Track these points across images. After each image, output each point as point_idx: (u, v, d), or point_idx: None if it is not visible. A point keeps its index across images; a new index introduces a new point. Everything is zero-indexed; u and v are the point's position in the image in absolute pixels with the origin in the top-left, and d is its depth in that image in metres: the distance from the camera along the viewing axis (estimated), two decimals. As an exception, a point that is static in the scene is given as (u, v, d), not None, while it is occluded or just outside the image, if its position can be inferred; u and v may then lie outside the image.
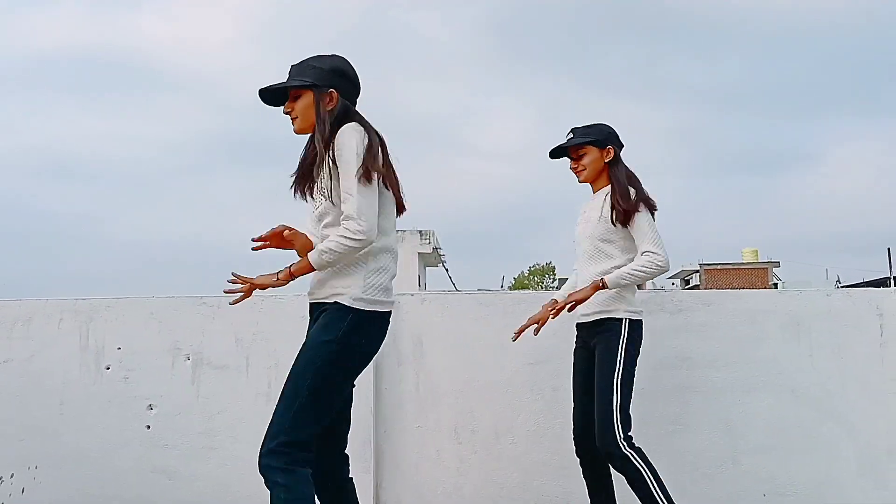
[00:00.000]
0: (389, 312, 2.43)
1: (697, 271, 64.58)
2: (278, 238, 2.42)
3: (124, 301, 4.11)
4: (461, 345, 3.89)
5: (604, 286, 2.96)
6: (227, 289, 2.39)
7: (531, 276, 64.87)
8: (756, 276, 61.53)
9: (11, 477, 3.85)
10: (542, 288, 59.41)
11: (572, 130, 3.19)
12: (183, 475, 3.82)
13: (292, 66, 2.47)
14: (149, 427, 3.85)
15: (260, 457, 2.22)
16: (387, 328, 2.45)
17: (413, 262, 33.38)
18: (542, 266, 65.22)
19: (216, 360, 3.88)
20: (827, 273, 54.19)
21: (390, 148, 2.42)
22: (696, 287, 65.29)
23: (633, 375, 2.99)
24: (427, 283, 36.97)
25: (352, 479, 2.53)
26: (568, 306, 3.04)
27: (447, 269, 39.31)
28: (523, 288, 57.17)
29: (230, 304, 2.52)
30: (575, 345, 3.26)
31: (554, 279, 62.13)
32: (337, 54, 2.50)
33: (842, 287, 61.29)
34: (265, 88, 2.44)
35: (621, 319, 3.02)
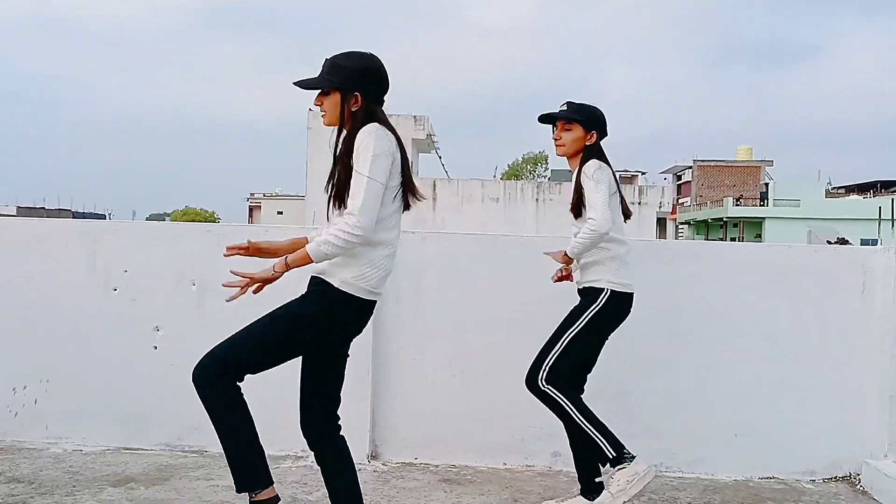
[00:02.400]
0: (373, 303, 2.55)
1: (691, 167, 64.50)
2: (249, 251, 2.63)
3: (130, 225, 4.20)
4: (458, 283, 4.02)
5: (567, 258, 3.22)
6: (226, 282, 2.52)
7: (524, 165, 64.59)
8: (749, 173, 61.58)
9: (24, 388, 4.05)
10: (534, 177, 59.31)
11: (567, 103, 3.24)
12: (189, 394, 4.01)
13: (325, 60, 2.56)
14: (156, 348, 4.02)
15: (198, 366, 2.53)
16: (366, 319, 2.59)
17: (406, 148, 33.18)
18: (536, 155, 64.80)
19: (221, 287, 3.99)
20: (819, 174, 54.20)
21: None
22: (688, 182, 65.31)
23: (588, 344, 3.21)
24: (420, 169, 36.91)
25: (343, 437, 2.70)
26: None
27: (440, 157, 39.14)
28: (516, 176, 57.07)
29: (227, 300, 2.64)
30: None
31: (546, 168, 61.91)
32: (367, 53, 2.56)
33: (833, 188, 61.27)
34: (297, 83, 2.56)
35: (602, 289, 3.17)
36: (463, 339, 4.00)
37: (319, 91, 2.56)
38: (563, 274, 3.32)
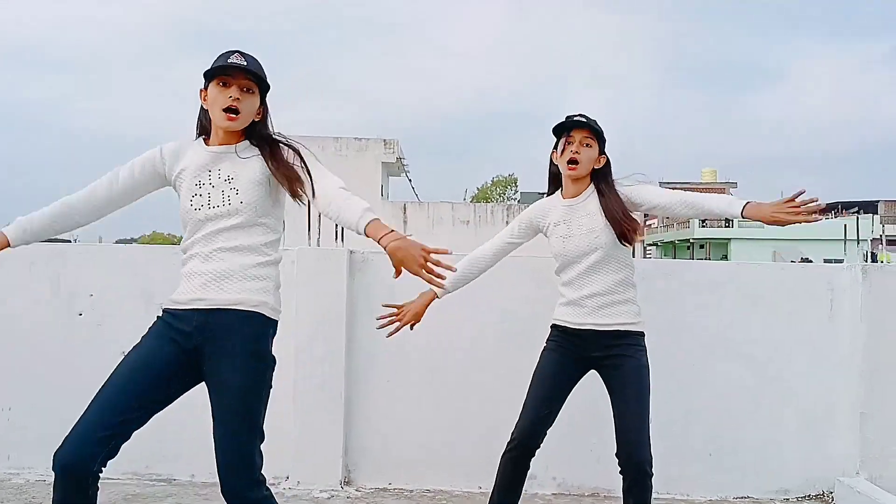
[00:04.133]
0: None
1: (657, 189, 65.21)
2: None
3: (96, 248, 4.12)
4: (433, 303, 3.99)
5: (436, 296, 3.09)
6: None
7: (493, 188, 64.92)
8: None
9: (-15, 418, 3.92)
10: (503, 200, 59.64)
11: (584, 116, 2.88)
12: (156, 420, 3.91)
13: (242, 53, 2.34)
14: (122, 373, 3.92)
15: (244, 481, 2.26)
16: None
17: (376, 172, 33.23)
18: (505, 177, 65.21)
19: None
20: (782, 195, 54.80)
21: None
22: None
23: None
24: (389, 192, 36.92)
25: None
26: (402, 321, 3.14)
27: (410, 179, 39.20)
28: (486, 199, 57.36)
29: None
30: (553, 343, 3.01)
31: (515, 191, 62.32)
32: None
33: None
34: (258, 72, 2.34)
35: (643, 334, 2.91)
36: (435, 361, 3.97)
37: (239, 84, 2.31)
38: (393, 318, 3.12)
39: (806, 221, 2.57)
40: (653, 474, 2.78)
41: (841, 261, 30.29)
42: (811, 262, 25.94)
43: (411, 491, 3.86)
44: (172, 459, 3.89)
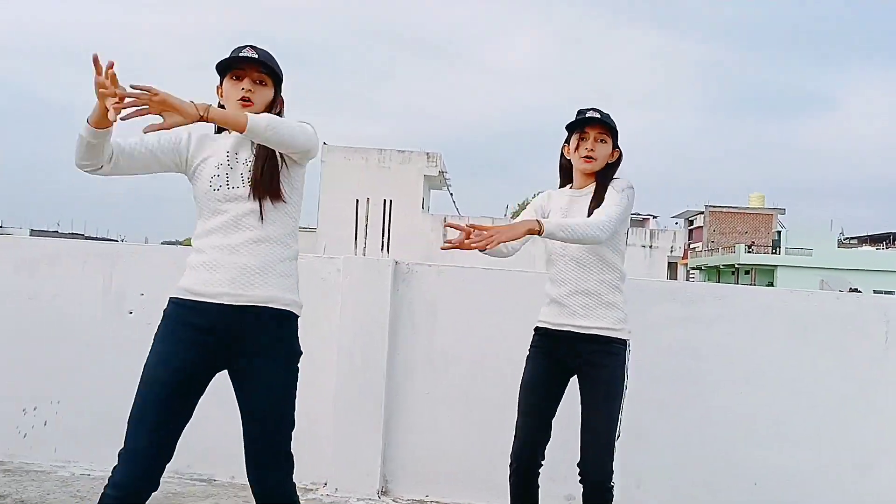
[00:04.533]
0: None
1: (703, 212, 64.45)
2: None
3: (147, 248, 4.20)
4: (473, 317, 3.98)
5: (540, 230, 2.49)
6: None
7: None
8: (761, 221, 61.48)
9: (35, 410, 4.01)
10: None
11: (597, 111, 2.78)
12: (200, 420, 3.96)
13: (258, 48, 2.36)
14: (168, 373, 3.98)
15: (277, 476, 2.29)
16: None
17: (419, 184, 33.38)
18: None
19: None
20: (832, 224, 54.00)
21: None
22: (699, 228, 65.30)
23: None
24: (430, 205, 37.04)
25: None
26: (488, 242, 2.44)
27: (451, 193, 39.29)
28: (527, 216, 57.08)
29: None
30: (535, 349, 2.92)
31: (558, 209, 61.99)
32: None
33: (846, 239, 61.00)
34: (270, 60, 2.35)
35: (626, 342, 2.76)
36: (476, 374, 3.95)
37: (251, 77, 2.32)
38: (461, 242, 2.47)
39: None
40: (612, 487, 2.73)
41: (892, 292, 29.45)
42: (860, 292, 25.28)
43: (448, 503, 3.84)
44: (213, 460, 3.93)
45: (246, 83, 2.31)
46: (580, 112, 2.81)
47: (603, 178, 2.81)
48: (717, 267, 54.20)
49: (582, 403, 2.79)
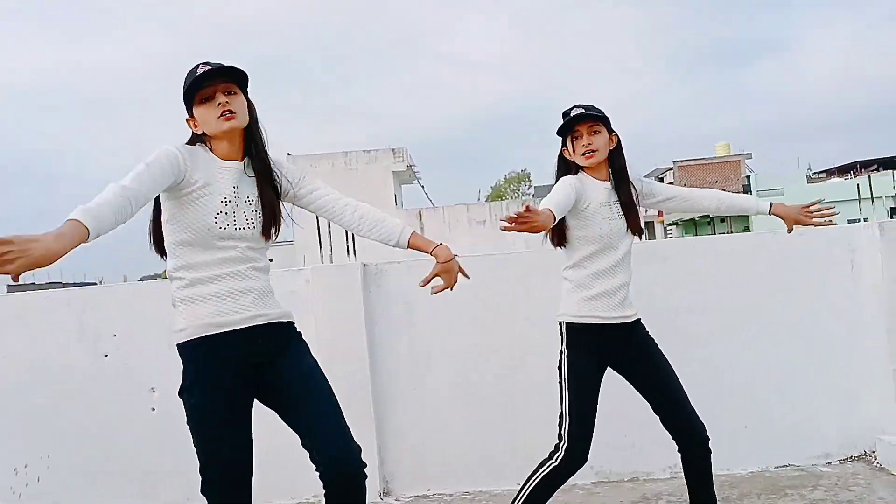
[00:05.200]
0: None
1: (671, 168, 64.91)
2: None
3: (115, 288, 4.17)
4: (450, 308, 3.99)
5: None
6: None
7: (507, 185, 64.90)
8: (729, 168, 61.96)
9: (25, 467, 3.97)
10: (518, 195, 59.55)
11: (580, 105, 2.80)
12: (191, 453, 3.95)
13: (209, 62, 2.28)
14: (154, 409, 3.97)
15: (357, 457, 2.26)
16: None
17: (388, 181, 33.32)
18: (518, 173, 65.18)
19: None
20: (798, 161, 54.67)
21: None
22: (671, 183, 65.59)
23: None
24: (403, 201, 36.99)
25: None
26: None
27: (423, 186, 39.26)
28: (500, 197, 57.28)
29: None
30: (583, 348, 2.81)
31: (529, 186, 62.24)
32: None
33: (814, 174, 61.59)
34: (236, 68, 2.27)
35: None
36: (460, 364, 3.97)
37: (226, 87, 2.25)
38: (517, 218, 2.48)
39: (825, 224, 2.96)
40: (709, 439, 2.80)
41: (866, 219, 29.84)
42: (834, 224, 25.59)
43: (450, 495, 3.87)
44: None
45: (220, 97, 2.23)
46: (565, 114, 2.83)
47: (616, 166, 2.83)
48: (692, 219, 54.62)
49: (648, 380, 2.83)
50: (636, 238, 2.86)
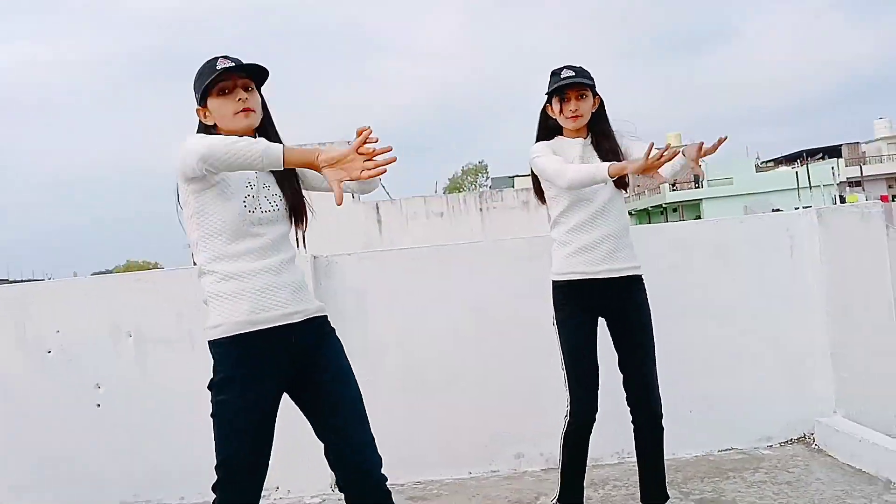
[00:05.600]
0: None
1: (625, 159, 65.56)
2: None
3: (56, 284, 4.08)
4: (402, 299, 4.00)
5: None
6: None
7: (465, 176, 64.99)
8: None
9: (-35, 468, 3.87)
10: (476, 187, 59.69)
11: (569, 67, 2.85)
12: (139, 447, 3.90)
13: (230, 56, 2.25)
14: (99, 405, 3.90)
15: (381, 469, 2.27)
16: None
17: (344, 174, 33.05)
18: (475, 165, 65.32)
19: (159, 335, 3.90)
20: (747, 150, 55.77)
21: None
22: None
23: None
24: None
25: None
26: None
27: (381, 179, 39.03)
28: (457, 189, 57.36)
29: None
30: (570, 305, 2.87)
31: (487, 178, 62.44)
32: None
33: (763, 163, 62.89)
34: (256, 65, 2.24)
35: (641, 277, 2.91)
36: (413, 354, 3.98)
37: (245, 83, 2.24)
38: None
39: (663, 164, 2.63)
40: (662, 419, 2.88)
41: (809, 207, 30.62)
42: (781, 211, 26.27)
43: (402, 485, 3.87)
44: (160, 484, 3.87)
45: (239, 93, 2.22)
46: (555, 73, 2.86)
47: (598, 128, 2.91)
48: (646, 209, 55.43)
49: (621, 344, 2.90)
50: (622, 191, 2.90)
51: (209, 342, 2.18)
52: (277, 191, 2.27)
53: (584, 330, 2.86)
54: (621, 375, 2.91)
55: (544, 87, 2.94)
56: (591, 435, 2.93)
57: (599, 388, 2.90)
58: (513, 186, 36.73)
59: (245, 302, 2.14)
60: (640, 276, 2.91)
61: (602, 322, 2.94)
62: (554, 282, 2.91)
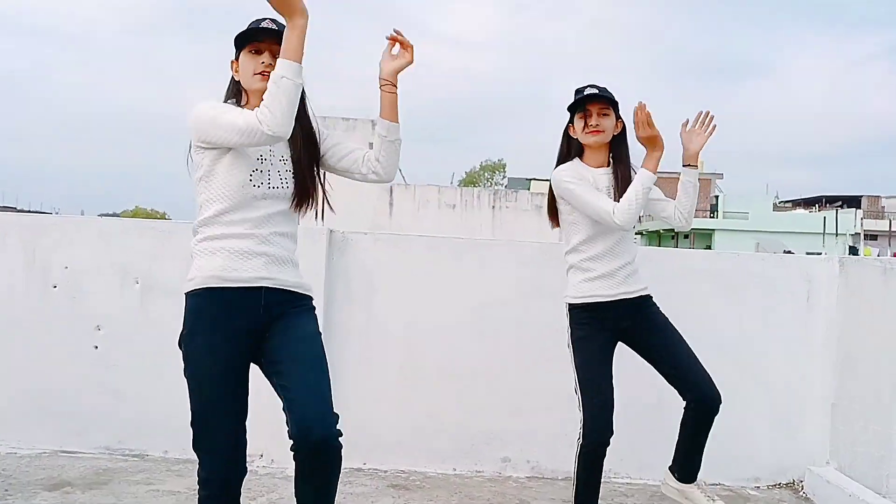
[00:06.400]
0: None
1: (644, 178, 65.31)
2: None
3: (71, 220, 4.07)
4: (410, 286, 3.98)
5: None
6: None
7: (482, 172, 64.87)
8: (699, 186, 62.63)
9: (-44, 389, 3.87)
10: (492, 184, 59.61)
11: (594, 86, 2.87)
12: (130, 395, 3.90)
13: (279, 21, 2.18)
14: (96, 347, 3.89)
15: (330, 423, 2.20)
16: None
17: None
18: (494, 162, 65.18)
19: (166, 286, 3.89)
20: (767, 188, 55.62)
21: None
22: (641, 193, 66.16)
23: None
24: (376, 173, 36.68)
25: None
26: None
27: (399, 166, 39.02)
28: (473, 184, 57.29)
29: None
30: (589, 326, 2.90)
31: (504, 176, 62.30)
32: None
33: (780, 202, 62.71)
34: (280, 31, 2.15)
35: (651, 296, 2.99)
36: (413, 343, 3.96)
37: (272, 51, 2.20)
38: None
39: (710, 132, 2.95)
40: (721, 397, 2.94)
41: (820, 253, 30.54)
42: (793, 253, 26.20)
43: (385, 471, 3.87)
44: (145, 434, 3.87)
45: (266, 57, 2.22)
46: (578, 91, 2.87)
47: (618, 153, 2.92)
48: (657, 231, 55.25)
49: (654, 348, 2.96)
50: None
51: (184, 295, 2.22)
52: (290, 170, 2.27)
53: (602, 350, 2.88)
54: (664, 377, 2.95)
55: (566, 93, 2.95)
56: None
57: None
58: (528, 189, 36.62)
59: (219, 259, 2.17)
60: (651, 295, 2.99)
61: (619, 348, 2.96)
62: (570, 304, 2.91)
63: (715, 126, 2.96)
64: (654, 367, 2.96)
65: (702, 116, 2.96)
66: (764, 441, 3.97)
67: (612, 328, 2.90)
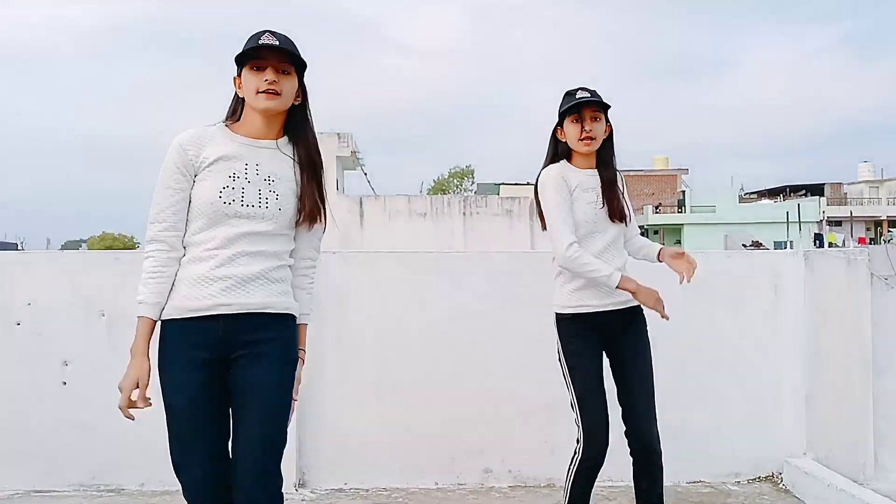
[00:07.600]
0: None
1: (611, 177, 65.86)
2: None
3: (33, 255, 3.99)
4: (382, 303, 3.96)
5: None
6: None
7: (451, 179, 64.95)
8: (666, 182, 63.42)
9: (-79, 435, 3.77)
10: (461, 191, 59.73)
11: (584, 89, 2.81)
12: (102, 429, 3.82)
13: (278, 34, 2.18)
14: (65, 383, 3.82)
15: (265, 485, 2.11)
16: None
17: (331, 166, 32.92)
18: (462, 169, 65.29)
19: (133, 317, 3.80)
20: (732, 181, 56.40)
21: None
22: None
23: None
24: (346, 186, 36.64)
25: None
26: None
27: (366, 173, 38.95)
28: (442, 191, 57.36)
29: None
30: (581, 338, 2.84)
31: (472, 182, 62.45)
32: None
33: (746, 194, 63.54)
34: (292, 51, 2.17)
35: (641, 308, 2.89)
36: (387, 359, 3.94)
37: (274, 67, 2.16)
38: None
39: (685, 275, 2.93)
40: (661, 453, 2.83)
41: (790, 242, 30.84)
42: (761, 244, 26.54)
43: (367, 490, 3.83)
44: (120, 468, 3.80)
45: (269, 74, 2.14)
46: (569, 94, 2.82)
47: (603, 154, 2.87)
48: (627, 229, 55.67)
49: (624, 376, 2.87)
50: (623, 224, 2.87)
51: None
52: (281, 190, 2.18)
53: (594, 364, 2.82)
54: (620, 408, 2.85)
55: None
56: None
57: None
58: (498, 194, 36.67)
59: (183, 288, 2.14)
60: (641, 307, 2.87)
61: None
62: (560, 314, 2.85)
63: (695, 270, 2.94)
64: (615, 388, 2.88)
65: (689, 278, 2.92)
66: (741, 436, 4.00)
67: (600, 338, 2.85)
